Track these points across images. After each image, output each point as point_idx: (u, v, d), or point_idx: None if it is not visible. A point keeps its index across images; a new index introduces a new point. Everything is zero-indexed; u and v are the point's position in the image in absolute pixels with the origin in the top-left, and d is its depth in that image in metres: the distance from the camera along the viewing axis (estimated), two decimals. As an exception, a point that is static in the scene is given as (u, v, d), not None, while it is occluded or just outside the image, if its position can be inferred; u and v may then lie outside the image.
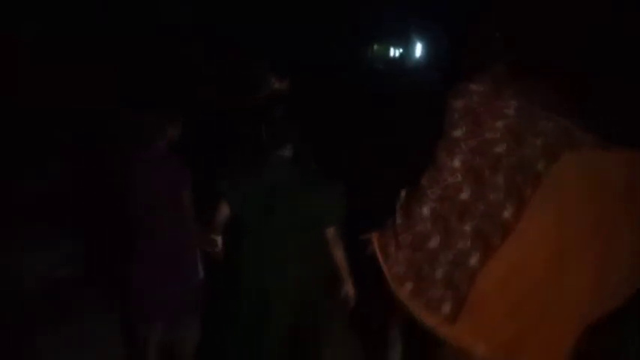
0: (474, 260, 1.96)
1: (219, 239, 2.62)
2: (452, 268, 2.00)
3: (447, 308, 1.99)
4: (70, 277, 3.82)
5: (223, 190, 2.55)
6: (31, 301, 3.54)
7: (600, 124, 2.02)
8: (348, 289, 2.53)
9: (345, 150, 4.09)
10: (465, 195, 2.00)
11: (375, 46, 9.35)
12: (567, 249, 1.93)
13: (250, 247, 2.52)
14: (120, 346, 3.18)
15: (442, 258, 2.02)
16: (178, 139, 2.79)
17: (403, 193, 2.23)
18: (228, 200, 2.54)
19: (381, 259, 2.21)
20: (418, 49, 8.22)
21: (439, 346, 2.15)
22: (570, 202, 1.93)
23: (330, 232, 2.49)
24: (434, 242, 2.04)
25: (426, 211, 2.06)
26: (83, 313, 3.47)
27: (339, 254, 2.50)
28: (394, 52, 9.11)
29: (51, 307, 3.49)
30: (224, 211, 2.57)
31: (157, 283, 2.70)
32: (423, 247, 2.06)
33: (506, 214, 1.94)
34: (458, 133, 2.06)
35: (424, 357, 2.46)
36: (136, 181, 2.70)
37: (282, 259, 2.47)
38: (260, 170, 2.52)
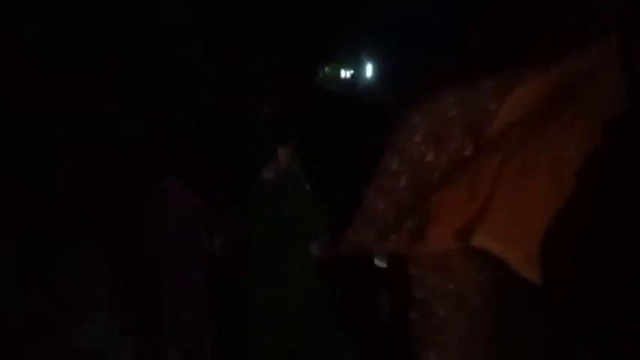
0: (435, 186, 2.14)
1: None
2: (419, 202, 2.17)
3: (415, 223, 2.14)
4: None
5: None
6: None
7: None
8: None
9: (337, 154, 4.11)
10: (429, 157, 2.19)
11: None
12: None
13: (256, 262, 2.56)
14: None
15: (417, 208, 2.17)
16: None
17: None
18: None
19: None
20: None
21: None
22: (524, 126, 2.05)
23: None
24: (410, 196, 2.21)
25: (403, 182, 2.23)
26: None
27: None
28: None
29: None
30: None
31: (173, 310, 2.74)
32: (398, 204, 2.23)
33: (467, 152, 2.11)
34: (414, 120, 2.25)
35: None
36: (153, 215, 2.73)
37: (285, 272, 2.51)
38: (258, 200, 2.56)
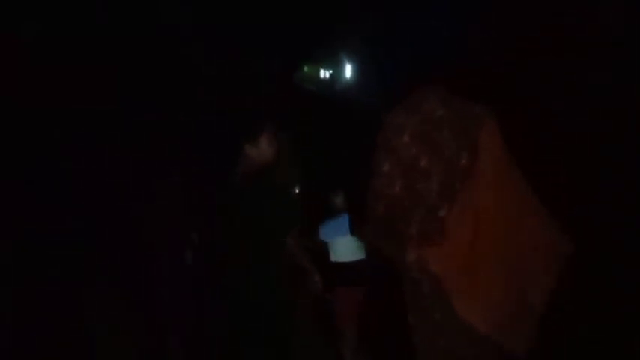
0: (442, 212, 2.02)
1: None
2: (424, 223, 2.06)
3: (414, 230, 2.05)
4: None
5: None
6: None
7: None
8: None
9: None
10: (424, 162, 2.06)
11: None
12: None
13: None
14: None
15: (415, 216, 2.07)
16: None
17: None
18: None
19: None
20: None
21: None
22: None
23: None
24: (406, 202, 2.09)
25: (398, 188, 2.11)
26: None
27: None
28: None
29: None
30: None
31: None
32: (395, 209, 2.12)
33: (463, 161, 2.00)
34: (399, 119, 2.13)
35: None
36: (152, 215, 2.75)
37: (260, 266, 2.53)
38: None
